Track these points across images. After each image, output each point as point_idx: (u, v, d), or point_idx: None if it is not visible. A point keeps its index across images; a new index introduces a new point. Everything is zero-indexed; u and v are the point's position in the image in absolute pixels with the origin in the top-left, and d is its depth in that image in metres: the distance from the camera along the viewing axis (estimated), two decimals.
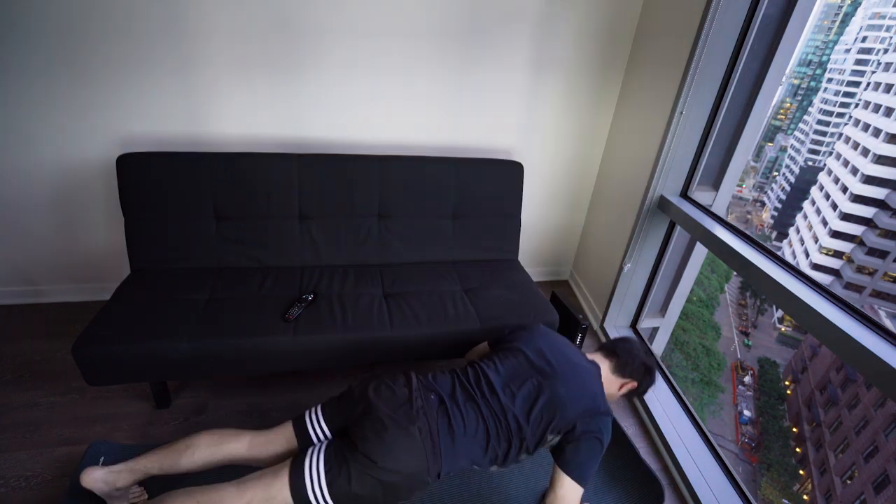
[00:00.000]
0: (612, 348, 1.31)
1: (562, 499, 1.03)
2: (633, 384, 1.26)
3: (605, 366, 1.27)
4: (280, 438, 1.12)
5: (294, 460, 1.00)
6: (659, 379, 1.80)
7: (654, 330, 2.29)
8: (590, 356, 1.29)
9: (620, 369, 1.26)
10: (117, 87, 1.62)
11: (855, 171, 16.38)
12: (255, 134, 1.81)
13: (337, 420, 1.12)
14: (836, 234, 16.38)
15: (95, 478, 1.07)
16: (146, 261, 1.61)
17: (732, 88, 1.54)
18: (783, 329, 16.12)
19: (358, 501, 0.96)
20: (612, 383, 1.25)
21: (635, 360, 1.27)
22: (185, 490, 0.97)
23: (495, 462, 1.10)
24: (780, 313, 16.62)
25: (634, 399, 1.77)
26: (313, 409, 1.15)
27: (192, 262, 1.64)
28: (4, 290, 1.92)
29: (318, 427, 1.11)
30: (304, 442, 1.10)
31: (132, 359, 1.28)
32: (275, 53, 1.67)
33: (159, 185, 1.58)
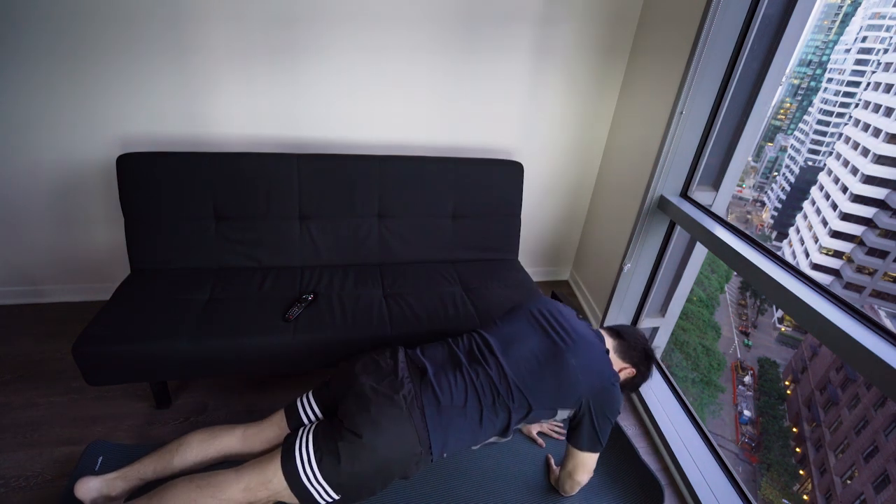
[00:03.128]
0: (617, 330, 1.27)
1: (582, 465, 1.09)
2: (632, 371, 1.22)
3: (609, 344, 1.22)
4: (272, 427, 1.12)
5: (285, 443, 0.99)
6: (659, 379, 1.80)
7: (654, 330, 2.29)
8: (596, 329, 1.25)
9: (623, 352, 1.21)
10: (117, 87, 1.62)
11: (855, 171, 16.37)
12: (255, 134, 1.81)
13: (327, 400, 1.11)
14: (836, 234, 16.36)
15: (90, 488, 1.06)
16: (146, 261, 1.61)
17: (732, 88, 1.54)
18: (783, 329, 16.10)
19: (351, 479, 0.94)
20: (613, 363, 1.19)
21: (638, 345, 1.23)
22: (186, 477, 0.98)
23: (494, 434, 1.07)
24: (780, 313, 16.61)
25: (630, 392, 1.77)
26: (305, 394, 1.15)
27: (192, 262, 1.64)
28: (4, 290, 1.92)
29: (309, 410, 1.11)
30: (297, 425, 1.10)
31: (132, 359, 1.28)
32: (275, 51, 1.67)
33: (159, 185, 1.58)
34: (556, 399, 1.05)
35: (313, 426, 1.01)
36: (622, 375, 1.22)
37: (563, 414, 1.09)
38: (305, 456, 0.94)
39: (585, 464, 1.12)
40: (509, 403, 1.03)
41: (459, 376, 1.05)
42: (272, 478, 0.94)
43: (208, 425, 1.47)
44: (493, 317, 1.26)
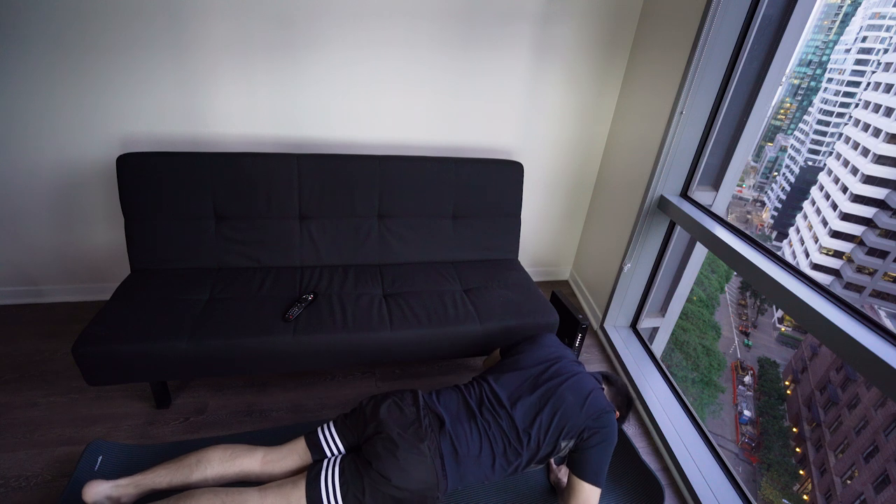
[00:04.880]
0: (607, 376, 1.38)
1: (584, 503, 1.13)
2: (615, 414, 1.31)
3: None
4: (293, 455, 1.14)
5: (310, 472, 1.04)
6: (659, 379, 1.80)
7: (654, 330, 2.29)
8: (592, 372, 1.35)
9: (611, 397, 1.32)
10: (117, 86, 1.62)
11: (855, 171, 16.36)
12: (255, 134, 1.81)
13: (349, 436, 1.15)
14: (836, 234, 16.35)
15: (98, 492, 1.06)
16: (146, 261, 1.61)
17: (732, 88, 1.54)
18: (783, 329, 16.10)
19: None
20: None
21: (623, 391, 1.34)
22: (210, 489, 1.00)
23: (504, 475, 1.14)
24: (780, 313, 16.61)
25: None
26: (326, 425, 1.19)
27: (192, 262, 1.64)
28: (4, 290, 1.92)
29: (331, 442, 1.15)
30: (318, 455, 1.14)
31: (132, 359, 1.28)
32: (275, 50, 1.67)
33: (159, 185, 1.58)
34: (557, 432, 1.13)
35: (338, 460, 1.07)
36: None
37: (566, 445, 1.15)
38: (331, 487, 1.00)
39: (588, 502, 1.14)
40: (519, 449, 1.11)
41: (474, 427, 1.13)
42: (295, 503, 0.99)
43: (209, 426, 1.48)
44: (501, 365, 1.34)
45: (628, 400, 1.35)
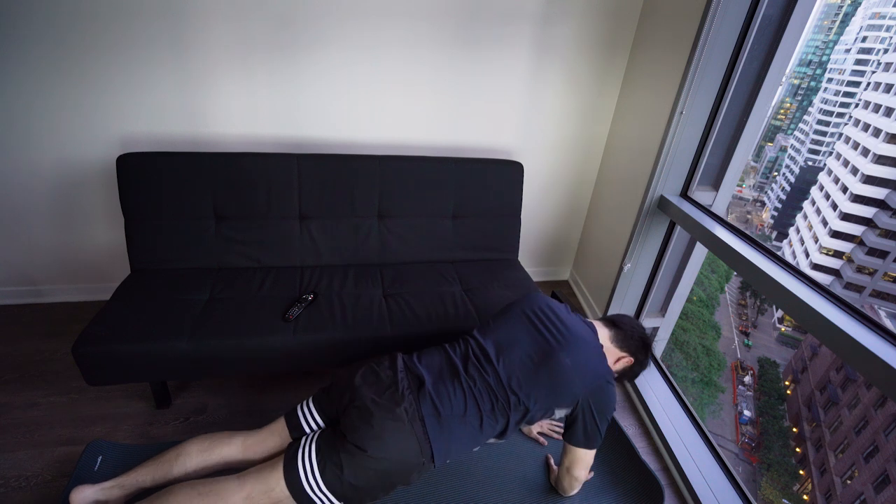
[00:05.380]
0: (612, 320, 1.28)
1: (579, 461, 1.11)
2: (629, 360, 1.23)
3: (604, 334, 1.23)
4: (274, 436, 1.11)
5: (288, 452, 1.00)
6: (659, 379, 1.80)
7: (654, 330, 2.29)
8: (589, 321, 1.26)
9: (620, 341, 1.23)
10: (117, 86, 1.62)
11: (855, 171, 16.36)
12: (255, 134, 1.81)
13: (328, 410, 1.11)
14: (836, 234, 16.35)
15: (85, 496, 1.05)
16: (146, 261, 1.61)
17: (732, 88, 1.54)
18: (783, 329, 16.09)
19: (354, 490, 0.95)
20: (610, 354, 1.20)
21: (635, 334, 1.24)
22: (188, 483, 0.98)
23: (493, 437, 1.08)
24: (780, 313, 16.60)
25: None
26: (305, 402, 1.15)
27: (192, 262, 1.64)
28: (4, 290, 1.92)
29: (310, 418, 1.11)
30: (298, 433, 1.10)
31: (132, 359, 1.28)
32: (275, 50, 1.67)
33: (159, 185, 1.58)
34: (551, 399, 1.06)
35: (315, 436, 1.02)
36: (620, 364, 1.24)
37: (560, 413, 1.10)
38: (308, 466, 0.95)
39: (583, 460, 1.13)
40: (507, 408, 1.04)
41: (458, 385, 1.06)
42: (274, 486, 0.95)
43: (209, 426, 1.48)
44: (487, 317, 1.26)
45: (643, 342, 1.23)
